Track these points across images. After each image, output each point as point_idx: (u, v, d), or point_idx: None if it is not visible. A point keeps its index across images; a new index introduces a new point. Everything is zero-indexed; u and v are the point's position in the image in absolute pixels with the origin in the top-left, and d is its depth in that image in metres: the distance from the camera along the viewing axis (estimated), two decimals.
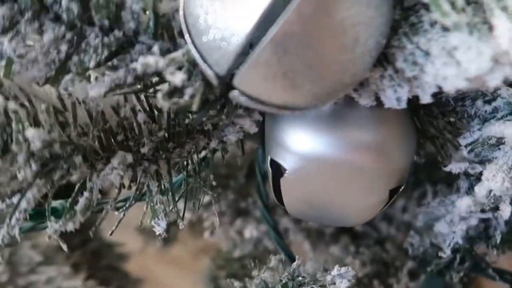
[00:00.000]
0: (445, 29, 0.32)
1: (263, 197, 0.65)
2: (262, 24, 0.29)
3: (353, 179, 0.39)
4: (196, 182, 0.44)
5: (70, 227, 0.34)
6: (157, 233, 0.41)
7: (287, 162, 0.39)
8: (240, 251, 0.77)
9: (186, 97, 0.33)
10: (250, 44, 0.30)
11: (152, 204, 0.40)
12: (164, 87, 0.32)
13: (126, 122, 0.36)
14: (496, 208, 0.44)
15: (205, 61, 0.32)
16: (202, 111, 0.37)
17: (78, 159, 0.33)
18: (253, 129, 0.43)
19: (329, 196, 0.40)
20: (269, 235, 0.75)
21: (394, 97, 0.36)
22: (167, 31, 0.35)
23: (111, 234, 0.40)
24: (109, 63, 0.33)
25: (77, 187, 0.37)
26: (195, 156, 0.44)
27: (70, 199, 0.36)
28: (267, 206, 0.65)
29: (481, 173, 0.44)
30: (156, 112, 0.38)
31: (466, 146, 0.43)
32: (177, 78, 0.32)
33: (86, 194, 0.36)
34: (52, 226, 0.34)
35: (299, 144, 0.39)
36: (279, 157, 0.40)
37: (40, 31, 0.31)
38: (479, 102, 0.42)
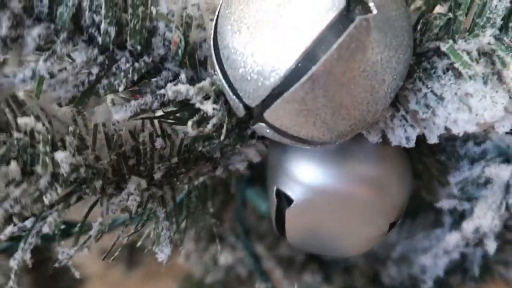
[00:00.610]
0: (458, 76, 0.35)
1: (243, 224, 0.65)
2: (300, 62, 0.30)
3: (357, 212, 0.41)
4: (197, 208, 0.44)
5: (86, 252, 0.33)
6: (160, 259, 0.40)
7: (294, 193, 0.40)
8: (212, 277, 0.76)
9: (210, 126, 0.34)
10: (286, 76, 0.31)
11: (158, 230, 0.40)
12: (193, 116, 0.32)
13: (142, 147, 0.36)
14: (479, 243, 0.47)
15: (235, 92, 0.33)
16: (220, 140, 0.38)
17: (98, 183, 0.33)
18: (257, 159, 0.44)
19: (332, 227, 0.42)
20: (242, 262, 0.75)
21: (404, 136, 0.38)
22: (191, 59, 0.35)
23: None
24: (137, 88, 0.33)
25: (86, 211, 0.36)
26: (196, 182, 0.44)
27: (79, 225, 0.36)
28: (247, 232, 0.66)
29: (464, 210, 0.47)
30: (170, 139, 0.38)
31: (456, 184, 0.45)
32: (209, 107, 0.32)
33: (99, 219, 0.35)
34: (64, 252, 0.33)
35: (308, 175, 0.40)
36: (287, 187, 0.41)
37: (74, 53, 0.30)
38: (469, 144, 0.45)
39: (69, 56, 0.31)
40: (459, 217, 0.48)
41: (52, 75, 0.30)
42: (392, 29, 0.31)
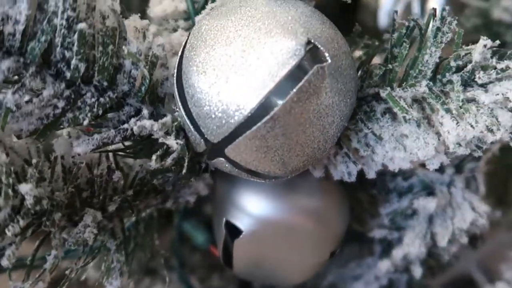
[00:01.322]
0: (394, 119, 0.39)
1: (180, 258, 0.66)
2: (264, 102, 0.32)
3: (301, 241, 0.43)
4: (145, 239, 0.44)
5: (41, 285, 0.33)
6: None
7: (243, 224, 0.42)
8: None
9: (170, 160, 0.35)
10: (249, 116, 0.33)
11: (108, 263, 0.40)
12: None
13: (98, 180, 0.36)
14: (406, 270, 0.52)
15: (197, 129, 0.34)
16: (176, 174, 0.39)
17: (57, 215, 0.33)
18: (205, 192, 0.46)
19: (278, 256, 0.44)
20: None
21: (346, 171, 0.41)
22: (151, 96, 0.36)
23: None
24: (99, 122, 0.34)
25: (37, 244, 0.35)
26: (143, 214, 0.45)
27: (29, 258, 0.35)
28: (183, 266, 0.66)
29: (393, 239, 0.51)
30: (123, 172, 0.39)
31: (386, 215, 0.50)
32: (173, 141, 0.33)
33: (53, 252, 0.34)
34: (18, 286, 0.32)
35: (257, 207, 0.42)
36: (236, 219, 0.43)
37: (42, 86, 0.31)
38: (398, 178, 0.49)
39: (40, 89, 0.31)
40: (387, 246, 0.52)
41: (18, 107, 0.30)
42: (342, 76, 0.34)
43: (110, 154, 0.38)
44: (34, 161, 0.31)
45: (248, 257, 0.44)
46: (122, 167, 0.39)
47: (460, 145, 0.35)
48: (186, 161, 0.35)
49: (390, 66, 0.39)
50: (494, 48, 0.35)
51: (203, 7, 0.41)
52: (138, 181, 0.40)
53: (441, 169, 0.48)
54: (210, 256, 0.65)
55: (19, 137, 0.32)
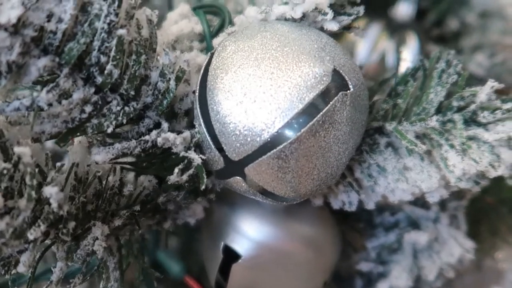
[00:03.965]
0: (396, 152, 0.41)
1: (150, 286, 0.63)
2: (290, 124, 0.33)
3: (297, 268, 0.43)
4: (138, 259, 0.43)
5: None
6: None
7: (244, 249, 0.42)
8: None
9: (185, 177, 0.35)
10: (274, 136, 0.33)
11: (104, 282, 0.38)
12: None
13: (109, 192, 0.35)
14: None
15: (217, 146, 0.35)
16: (184, 192, 0.39)
17: (72, 224, 0.31)
18: (201, 215, 0.45)
19: (273, 283, 0.44)
20: None
21: (347, 200, 0.43)
22: (169, 111, 0.36)
23: None
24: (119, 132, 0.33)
25: (39, 257, 0.33)
26: (137, 234, 0.44)
27: (31, 270, 0.33)
28: None
29: (377, 274, 0.52)
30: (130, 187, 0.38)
31: (372, 249, 0.51)
32: (195, 155, 0.33)
33: (59, 264, 0.33)
34: None
35: (257, 232, 0.42)
36: (236, 243, 0.42)
37: (73, 89, 0.30)
38: (386, 213, 0.51)
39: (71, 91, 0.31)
40: (367, 281, 0.53)
41: (50, 107, 0.29)
42: (359, 106, 0.36)
43: (118, 167, 0.37)
44: (58, 164, 0.30)
45: (244, 283, 0.43)
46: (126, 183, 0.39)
47: (461, 179, 0.37)
48: (203, 176, 0.34)
49: (395, 101, 0.41)
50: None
51: (220, 30, 0.42)
52: (144, 197, 0.39)
53: (426, 206, 0.50)
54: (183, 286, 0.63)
55: (37, 140, 0.31)
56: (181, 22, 0.42)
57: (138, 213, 0.39)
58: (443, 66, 0.40)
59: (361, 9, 0.38)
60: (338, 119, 0.34)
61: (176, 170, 0.33)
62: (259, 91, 0.33)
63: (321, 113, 0.33)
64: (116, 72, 0.31)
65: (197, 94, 0.35)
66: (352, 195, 0.42)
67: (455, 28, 0.70)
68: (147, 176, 0.38)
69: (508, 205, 0.58)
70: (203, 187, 0.34)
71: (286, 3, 0.37)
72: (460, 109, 0.39)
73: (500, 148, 0.36)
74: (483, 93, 0.37)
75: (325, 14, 0.36)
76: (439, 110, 0.40)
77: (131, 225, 0.38)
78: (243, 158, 0.34)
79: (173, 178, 0.33)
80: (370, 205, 0.43)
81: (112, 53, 0.30)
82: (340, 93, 0.34)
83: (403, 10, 0.76)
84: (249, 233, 0.42)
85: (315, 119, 0.33)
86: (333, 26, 0.37)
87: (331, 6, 0.37)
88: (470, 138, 0.38)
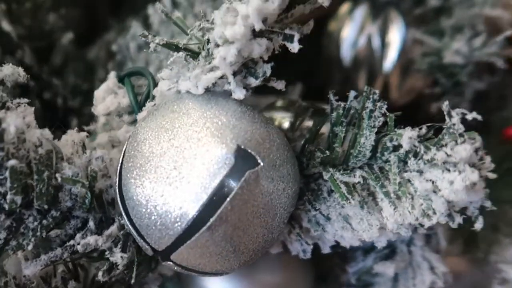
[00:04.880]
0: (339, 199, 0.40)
1: None
2: (201, 213, 0.33)
3: None
4: None
5: None
6: None
7: None
8: None
9: (120, 267, 0.36)
10: (188, 226, 0.34)
11: None
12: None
13: None
14: None
15: (142, 237, 0.35)
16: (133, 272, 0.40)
17: None
18: (170, 273, 0.46)
19: None
20: None
21: (301, 249, 0.42)
22: (99, 202, 0.37)
23: None
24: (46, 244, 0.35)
25: None
26: None
27: None
28: None
29: None
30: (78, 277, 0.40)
31: (352, 274, 0.50)
32: (118, 256, 0.34)
33: None
34: None
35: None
36: None
37: None
38: None
39: None
40: None
41: None
42: (278, 172, 0.35)
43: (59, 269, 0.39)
44: None
45: None
46: (78, 272, 0.40)
47: (400, 227, 0.36)
48: (134, 270, 0.35)
49: (331, 146, 0.39)
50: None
51: (147, 98, 0.41)
52: (97, 281, 0.40)
53: None
54: None
55: None
56: (107, 98, 0.42)
57: None
58: (370, 106, 0.38)
59: (267, 68, 0.36)
60: (251, 197, 0.34)
61: (100, 273, 0.34)
62: (165, 184, 0.33)
63: (228, 199, 0.33)
64: (18, 198, 0.32)
65: (116, 186, 0.36)
66: (304, 244, 0.42)
67: (436, 5, 0.65)
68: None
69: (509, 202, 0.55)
70: (132, 280, 0.35)
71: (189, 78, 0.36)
72: (395, 149, 0.37)
73: (433, 195, 0.34)
74: (404, 142, 0.34)
75: (229, 83, 0.35)
76: (376, 151, 0.38)
77: None
78: (165, 248, 0.35)
79: (101, 278, 0.34)
80: (326, 250, 0.42)
81: (8, 184, 0.31)
82: (247, 173, 0.33)
83: None
84: None
85: (223, 206, 0.33)
86: (239, 95, 0.35)
87: (244, 66, 0.36)
88: (406, 182, 0.36)
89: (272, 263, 0.45)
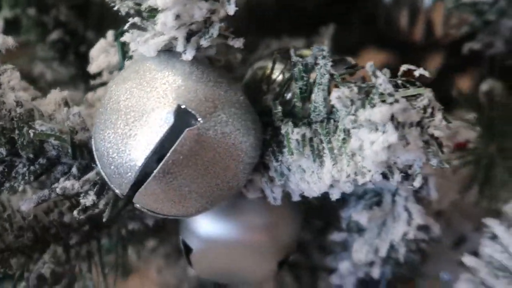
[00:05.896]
0: None
1: None
2: (150, 159, 0.37)
3: (247, 255, 0.48)
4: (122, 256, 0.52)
5: None
6: None
7: (193, 243, 0.48)
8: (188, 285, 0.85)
9: (101, 206, 0.42)
10: (144, 173, 0.38)
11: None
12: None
13: (56, 222, 0.45)
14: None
15: (111, 183, 0.41)
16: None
17: (13, 261, 0.42)
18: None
19: (229, 267, 0.49)
20: None
21: (272, 196, 0.45)
22: (83, 151, 0.43)
23: None
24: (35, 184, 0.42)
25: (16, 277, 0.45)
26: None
27: None
28: None
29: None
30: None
31: (344, 219, 0.52)
32: (89, 200, 0.40)
33: (23, 283, 0.44)
34: None
35: (205, 229, 0.48)
36: (187, 238, 0.49)
37: None
38: None
39: None
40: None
41: None
42: (226, 128, 0.38)
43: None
44: None
45: (205, 267, 0.50)
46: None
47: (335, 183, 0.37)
48: (108, 208, 0.41)
49: (293, 101, 0.41)
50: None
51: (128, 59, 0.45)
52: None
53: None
54: None
55: None
56: (100, 57, 0.47)
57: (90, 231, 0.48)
58: (321, 63, 0.38)
59: (215, 30, 0.37)
60: (194, 152, 0.37)
61: (75, 212, 0.40)
62: (122, 139, 0.38)
63: (168, 154, 0.36)
64: (3, 149, 0.39)
65: (93, 140, 0.41)
66: (275, 190, 0.44)
67: None
68: None
69: None
70: (105, 218, 0.41)
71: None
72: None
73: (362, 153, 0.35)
74: (334, 100, 0.35)
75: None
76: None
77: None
78: (126, 193, 0.40)
79: (77, 217, 0.41)
80: (296, 198, 0.44)
81: None
82: (185, 131, 0.36)
83: None
84: (197, 230, 0.48)
85: (163, 160, 0.36)
86: (188, 57, 0.38)
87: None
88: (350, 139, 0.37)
89: (258, 205, 0.48)
